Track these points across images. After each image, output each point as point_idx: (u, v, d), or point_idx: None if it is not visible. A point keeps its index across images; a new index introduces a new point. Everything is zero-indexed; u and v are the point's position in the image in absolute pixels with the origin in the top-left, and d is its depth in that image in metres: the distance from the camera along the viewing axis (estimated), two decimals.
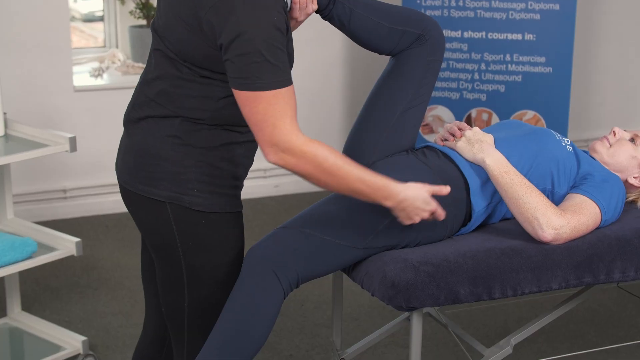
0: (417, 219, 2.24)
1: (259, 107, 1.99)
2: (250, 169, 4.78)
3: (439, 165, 2.49)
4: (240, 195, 2.23)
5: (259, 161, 4.90)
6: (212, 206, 2.16)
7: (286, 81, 2.01)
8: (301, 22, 2.27)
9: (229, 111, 2.12)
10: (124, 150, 2.24)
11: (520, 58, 4.56)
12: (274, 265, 2.22)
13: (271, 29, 1.98)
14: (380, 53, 2.52)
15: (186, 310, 2.23)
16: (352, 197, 2.16)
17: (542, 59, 4.54)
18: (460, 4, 4.57)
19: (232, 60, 1.99)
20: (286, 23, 2.05)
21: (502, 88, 4.61)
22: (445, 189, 2.26)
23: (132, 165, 2.19)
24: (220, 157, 2.15)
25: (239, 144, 2.17)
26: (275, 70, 1.99)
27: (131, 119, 2.22)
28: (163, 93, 2.13)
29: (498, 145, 2.54)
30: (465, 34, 4.59)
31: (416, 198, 2.20)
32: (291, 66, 2.14)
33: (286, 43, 2.04)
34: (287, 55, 2.08)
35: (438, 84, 4.67)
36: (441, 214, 2.27)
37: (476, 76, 4.62)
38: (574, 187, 2.55)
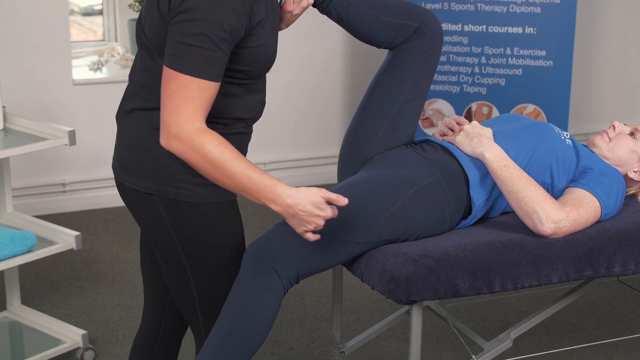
0: (310, 227, 2.09)
1: (172, 85, 1.99)
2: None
3: (438, 158, 2.49)
4: None
5: (258, 155, 4.93)
6: (200, 197, 2.15)
7: (208, 75, 1.99)
8: (297, 15, 2.26)
9: None
10: (116, 143, 2.26)
11: (521, 52, 4.55)
12: (274, 261, 2.21)
13: (220, 23, 1.98)
14: (379, 46, 2.51)
15: (197, 302, 2.24)
16: (243, 195, 2.06)
17: (543, 53, 4.54)
18: None
19: (170, 34, 2.00)
20: (247, 25, 2.03)
21: (502, 82, 4.60)
22: (343, 200, 2.11)
23: (122, 158, 2.21)
24: None
25: (224, 135, 2.16)
26: (204, 60, 1.98)
27: (121, 112, 2.24)
28: (145, 86, 2.15)
29: (497, 138, 2.53)
30: (466, 28, 4.58)
31: (307, 202, 2.07)
32: (272, 61, 2.14)
33: (229, 44, 2.01)
34: (264, 50, 2.09)
35: (438, 78, 4.66)
36: (335, 214, 2.12)
37: (476, 70, 4.61)
38: (574, 181, 2.55)
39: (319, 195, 2.08)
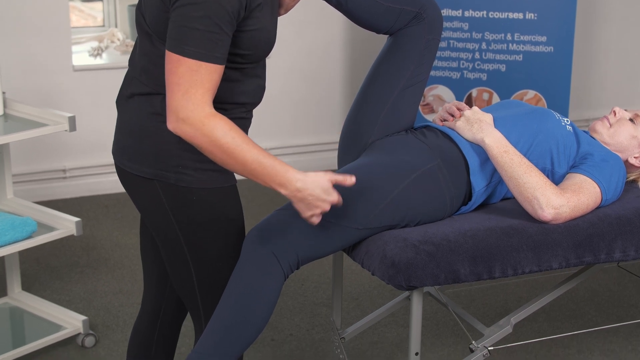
0: (317, 211, 2.12)
1: (179, 70, 1.99)
2: None
3: (438, 144, 2.48)
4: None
5: (258, 141, 4.92)
6: (199, 182, 2.15)
7: (214, 58, 1.99)
8: (295, 0, 2.25)
9: None
10: (116, 129, 2.26)
11: (522, 37, 4.54)
12: (274, 247, 2.21)
13: (223, 4, 1.98)
14: (378, 32, 2.51)
15: (197, 288, 2.24)
16: (252, 179, 2.06)
17: (543, 38, 4.52)
18: None
19: (172, 19, 2.00)
20: (247, 6, 2.03)
21: (502, 67, 4.59)
22: (350, 179, 2.13)
23: (122, 143, 2.21)
24: None
25: None
26: (207, 43, 1.98)
27: (121, 98, 2.24)
28: (145, 70, 2.15)
29: (497, 124, 2.53)
30: (466, 13, 4.57)
31: (315, 186, 2.09)
32: (271, 45, 2.14)
33: (232, 26, 2.02)
34: (263, 34, 2.08)
35: (438, 64, 4.65)
36: (340, 201, 2.15)
37: (477, 55, 4.60)
38: (574, 167, 2.55)
39: (327, 179, 2.10)
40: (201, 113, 1.99)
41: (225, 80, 2.11)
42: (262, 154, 2.04)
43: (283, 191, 2.08)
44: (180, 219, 2.17)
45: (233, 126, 2.02)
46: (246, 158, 2.02)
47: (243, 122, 2.21)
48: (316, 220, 2.14)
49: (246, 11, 2.03)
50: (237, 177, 2.26)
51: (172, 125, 2.01)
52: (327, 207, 2.12)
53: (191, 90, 1.98)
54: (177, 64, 1.99)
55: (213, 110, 2.01)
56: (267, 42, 2.12)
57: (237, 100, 2.16)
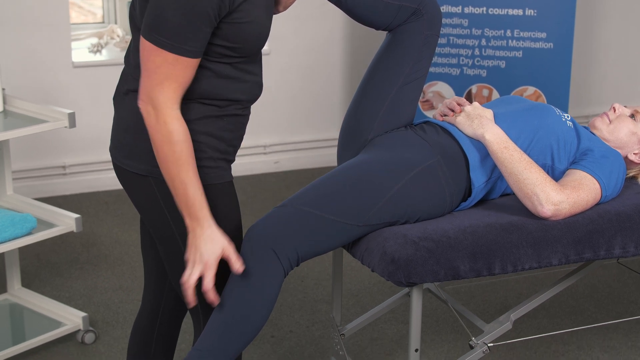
0: (190, 263, 2.10)
1: (156, 59, 2.01)
2: (250, 145, 4.75)
3: (438, 140, 2.48)
4: (228, 166, 2.22)
5: (257, 138, 4.92)
6: None
7: (188, 52, 2.01)
8: None
9: (201, 85, 2.10)
10: (113, 125, 2.27)
11: (521, 34, 4.54)
12: (274, 244, 2.21)
13: (203, 2, 1.98)
14: (377, 28, 2.51)
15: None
16: (172, 195, 2.10)
17: (543, 35, 4.52)
18: None
19: (149, 5, 2.01)
20: (230, 4, 2.02)
21: (502, 64, 4.59)
22: (238, 268, 2.13)
23: (118, 140, 2.22)
24: (197, 131, 2.13)
25: (218, 117, 2.15)
26: (182, 36, 1.99)
27: (117, 95, 2.24)
28: (138, 67, 2.14)
29: (498, 120, 2.53)
30: (466, 10, 4.56)
31: (208, 242, 2.10)
32: (263, 39, 2.13)
33: (208, 21, 2.01)
34: (253, 28, 2.07)
35: (438, 60, 4.65)
36: (208, 291, 2.11)
37: (477, 52, 4.60)
38: (574, 163, 2.55)
39: (222, 248, 2.11)
40: (170, 111, 2.03)
41: (218, 76, 2.11)
42: (193, 181, 2.06)
43: (187, 222, 2.10)
44: (175, 215, 2.16)
45: (188, 139, 2.06)
46: (180, 174, 2.05)
47: (240, 119, 2.20)
48: (190, 298, 2.12)
49: (230, 7, 2.03)
50: (234, 174, 2.26)
51: (142, 104, 2.05)
52: (196, 272, 2.09)
53: (166, 83, 2.01)
54: (154, 53, 2.01)
55: (179, 113, 2.05)
56: (258, 36, 2.10)
57: (231, 97, 2.15)
